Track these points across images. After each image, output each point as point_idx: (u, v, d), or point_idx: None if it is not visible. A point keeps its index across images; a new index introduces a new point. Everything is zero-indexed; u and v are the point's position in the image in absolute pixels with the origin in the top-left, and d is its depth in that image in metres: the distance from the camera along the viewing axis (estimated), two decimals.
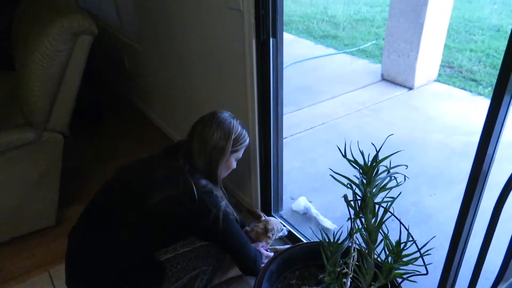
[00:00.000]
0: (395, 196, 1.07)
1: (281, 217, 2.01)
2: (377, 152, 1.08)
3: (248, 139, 1.48)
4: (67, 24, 1.54)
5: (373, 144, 1.14)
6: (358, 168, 1.10)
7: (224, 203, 1.35)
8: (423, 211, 2.14)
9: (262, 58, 1.59)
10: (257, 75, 1.63)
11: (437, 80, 3.81)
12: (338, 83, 3.84)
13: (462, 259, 1.10)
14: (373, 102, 3.46)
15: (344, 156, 1.12)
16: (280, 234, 1.76)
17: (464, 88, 3.66)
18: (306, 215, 2.10)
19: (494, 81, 0.88)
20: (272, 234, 1.67)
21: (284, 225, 1.83)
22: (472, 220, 1.10)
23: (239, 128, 1.42)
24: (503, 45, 4.39)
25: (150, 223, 1.27)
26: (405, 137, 2.88)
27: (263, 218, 1.77)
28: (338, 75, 4.12)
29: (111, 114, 3.14)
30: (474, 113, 3.21)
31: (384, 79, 3.89)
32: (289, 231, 1.85)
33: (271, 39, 1.54)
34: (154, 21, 2.38)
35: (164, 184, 1.28)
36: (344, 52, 4.70)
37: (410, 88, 3.68)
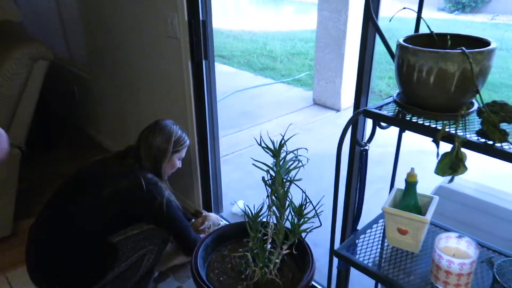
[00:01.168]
0: (313, 179, 1.41)
1: (222, 217, 2.29)
2: (283, 137, 1.42)
3: (188, 141, 1.77)
4: (26, 50, 1.79)
5: (281, 134, 1.49)
6: (269, 152, 1.44)
7: (167, 193, 1.62)
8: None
9: (197, 77, 1.91)
10: (193, 91, 1.95)
11: None
12: (275, 108, 4.26)
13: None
14: (305, 122, 3.89)
15: (259, 144, 1.46)
16: (218, 228, 2.02)
17: None
18: (244, 217, 2.39)
19: None
20: (208, 228, 1.93)
21: (222, 220, 2.10)
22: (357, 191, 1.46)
23: (179, 132, 1.72)
24: None
25: (105, 211, 1.51)
26: (332, 150, 3.28)
27: (203, 214, 2.03)
28: (275, 102, 4.55)
29: (62, 141, 3.30)
30: (389, 129, 3.73)
31: (315, 103, 4.37)
32: None
33: (204, 61, 1.87)
34: (102, 51, 2.66)
35: (117, 178, 1.54)
36: (281, 82, 5.18)
37: (338, 110, 4.16)
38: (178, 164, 1.77)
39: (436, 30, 0.93)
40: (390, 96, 1.02)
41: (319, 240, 2.01)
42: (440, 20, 8.60)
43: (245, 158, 3.21)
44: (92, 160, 1.66)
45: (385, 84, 4.85)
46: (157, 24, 1.98)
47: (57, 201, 1.56)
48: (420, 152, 2.92)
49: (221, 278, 1.47)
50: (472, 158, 0.86)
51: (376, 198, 2.02)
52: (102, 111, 3.02)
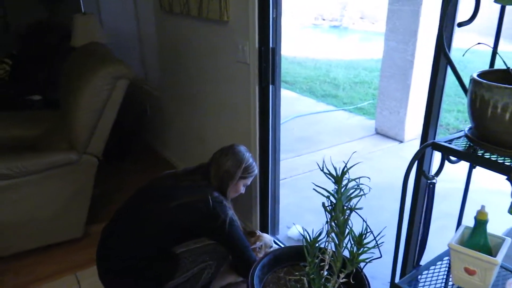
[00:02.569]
0: (372, 210, 1.40)
1: (278, 239, 2.31)
2: (345, 165, 1.43)
3: (256, 170, 1.84)
4: (111, 70, 1.98)
5: (344, 161, 1.49)
6: (331, 178, 1.45)
7: (231, 212, 1.68)
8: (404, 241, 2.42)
9: (263, 101, 1.98)
10: (259, 114, 2.02)
11: None
12: (335, 135, 4.24)
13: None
14: (366, 152, 3.83)
15: (322, 170, 1.48)
16: (270, 250, 2.03)
17: None
18: (300, 242, 2.39)
19: None
20: (260, 248, 1.95)
21: (275, 243, 2.11)
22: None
23: (250, 160, 1.79)
24: None
25: (171, 223, 1.60)
26: (393, 182, 3.21)
27: (257, 234, 2.06)
28: (336, 129, 4.53)
29: (132, 153, 3.53)
30: (456, 165, 3.57)
31: (377, 133, 4.29)
32: None
33: (270, 86, 1.94)
34: (175, 73, 2.84)
35: (186, 192, 1.64)
36: (342, 109, 5.15)
37: (401, 141, 4.06)
38: (242, 190, 1.84)
39: None
40: (461, 130, 1.01)
41: (375, 272, 1.96)
42: None
43: (302, 182, 3.22)
44: (165, 173, 1.77)
45: (453, 118, 4.66)
46: (229, 50, 2.09)
47: (129, 209, 1.68)
48: (488, 191, 2.77)
49: None
50: None
51: (440, 235, 1.94)
52: (170, 129, 3.20)
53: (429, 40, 3.81)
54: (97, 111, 2.01)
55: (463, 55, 1.02)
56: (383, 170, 3.44)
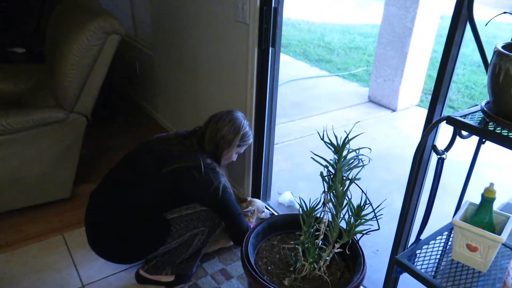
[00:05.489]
0: (362, 179, 1.37)
1: (269, 205, 2.30)
2: (347, 135, 1.39)
3: (251, 139, 1.78)
4: (102, 24, 1.85)
5: (345, 131, 1.45)
6: (332, 148, 1.41)
7: (224, 179, 1.64)
8: (394, 211, 2.43)
9: (262, 64, 1.90)
10: (256, 78, 1.94)
11: (419, 105, 4.18)
12: (328, 102, 4.19)
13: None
14: (358, 119, 3.80)
15: (322, 139, 1.43)
16: (262, 215, 2.01)
17: None
18: (290, 208, 2.38)
19: None
20: (252, 212, 1.93)
21: (267, 208, 2.09)
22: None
23: (247, 128, 1.73)
24: (481, 78, 4.80)
25: (163, 189, 1.55)
26: (385, 151, 3.21)
27: (249, 199, 2.03)
28: (329, 95, 4.47)
29: (120, 113, 3.43)
30: (447, 136, 3.57)
31: (370, 100, 4.25)
32: (272, 215, 2.12)
33: (270, 48, 1.85)
34: (168, 30, 2.70)
35: (178, 157, 1.57)
36: (336, 75, 5.08)
37: (394, 110, 4.03)
38: (234, 158, 1.79)
39: None
40: (476, 105, 0.96)
41: (364, 240, 1.98)
42: None
43: (294, 148, 3.19)
44: (155, 137, 1.70)
45: None
46: (227, 8, 1.98)
47: (119, 173, 1.62)
48: (483, 164, 2.78)
49: (269, 267, 1.48)
50: None
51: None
52: (161, 89, 3.10)
53: (431, 7, 3.70)
54: (86, 67, 1.90)
55: (486, 25, 0.95)
56: (375, 139, 3.42)
